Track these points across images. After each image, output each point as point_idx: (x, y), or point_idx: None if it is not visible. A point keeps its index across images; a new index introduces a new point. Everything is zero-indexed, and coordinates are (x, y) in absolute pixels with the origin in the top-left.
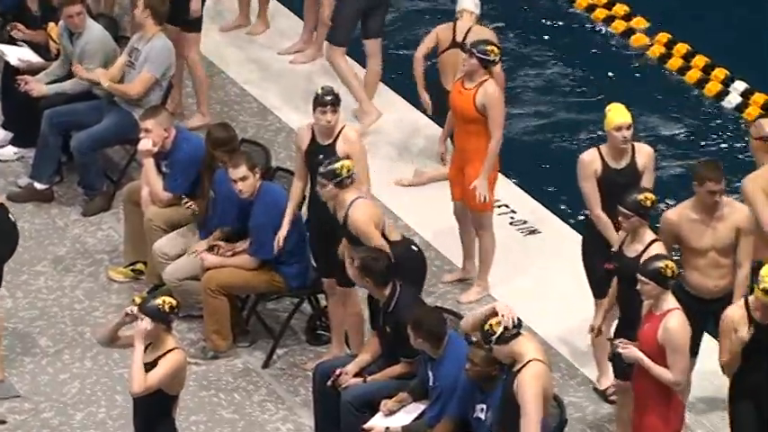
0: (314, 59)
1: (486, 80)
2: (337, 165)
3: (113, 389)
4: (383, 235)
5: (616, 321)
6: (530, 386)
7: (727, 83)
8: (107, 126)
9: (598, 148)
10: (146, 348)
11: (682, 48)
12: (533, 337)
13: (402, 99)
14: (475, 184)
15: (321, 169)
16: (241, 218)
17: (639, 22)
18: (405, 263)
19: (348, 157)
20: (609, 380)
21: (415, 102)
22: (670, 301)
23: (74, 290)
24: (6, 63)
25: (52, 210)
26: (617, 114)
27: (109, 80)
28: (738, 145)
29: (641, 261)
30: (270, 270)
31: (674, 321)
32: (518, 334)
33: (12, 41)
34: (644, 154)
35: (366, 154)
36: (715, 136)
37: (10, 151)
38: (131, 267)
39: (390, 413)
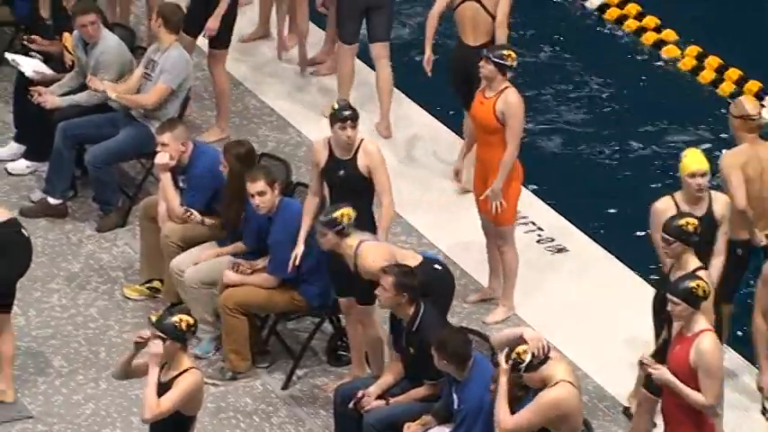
0: (332, 72)
1: (506, 88)
2: (337, 213)
3: (129, 410)
4: None
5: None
6: (542, 407)
7: (761, 96)
8: (122, 139)
9: (672, 196)
10: (162, 367)
11: (713, 61)
12: (563, 358)
13: (425, 112)
14: (486, 193)
15: (321, 218)
16: (260, 235)
17: (669, 35)
18: (431, 283)
19: (369, 171)
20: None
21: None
22: (701, 322)
23: (88, 308)
24: (20, 75)
25: (66, 225)
26: (692, 160)
27: (120, 91)
28: None
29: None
30: (290, 289)
31: (706, 343)
32: (547, 359)
33: (26, 52)
34: (721, 203)
35: (386, 165)
36: None
37: (23, 165)
38: (147, 285)
39: None
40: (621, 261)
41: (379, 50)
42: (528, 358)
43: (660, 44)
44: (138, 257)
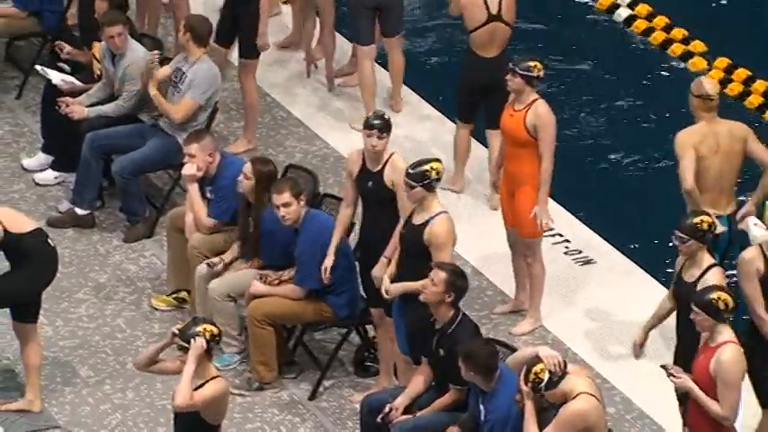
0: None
1: (536, 100)
2: (426, 166)
3: (156, 420)
4: None
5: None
6: (565, 421)
7: None
8: (150, 150)
9: (760, 246)
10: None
11: (742, 73)
12: (582, 371)
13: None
14: (535, 211)
15: (410, 170)
16: (286, 246)
17: (698, 46)
18: None
19: (394, 186)
20: None
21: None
22: (725, 333)
23: (115, 318)
24: (48, 85)
25: (93, 236)
26: None
27: (156, 91)
28: None
29: (697, 288)
30: (317, 299)
31: (727, 354)
32: (564, 374)
33: (54, 65)
34: None
35: None
36: None
37: (50, 175)
38: (174, 296)
39: None
40: (648, 272)
41: (393, 43)
42: (546, 377)
43: (688, 56)
44: (166, 268)
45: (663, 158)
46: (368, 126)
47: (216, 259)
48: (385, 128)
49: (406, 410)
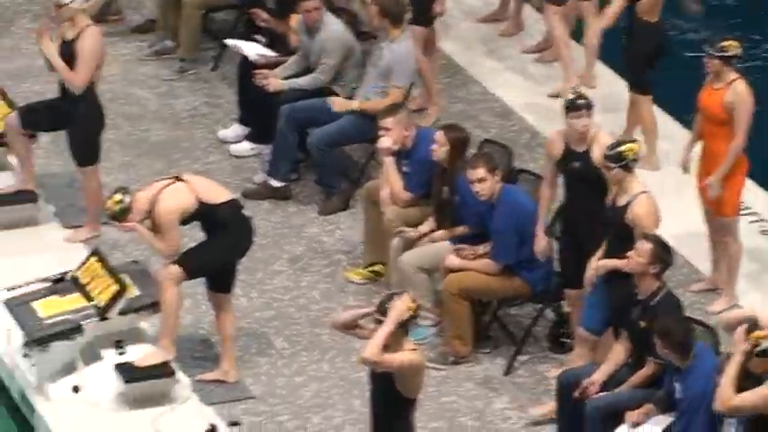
0: (556, 59)
1: (736, 79)
2: (623, 147)
3: (350, 392)
4: None
5: None
6: None
7: None
8: (346, 123)
9: None
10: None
11: None
12: None
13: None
14: (707, 181)
15: (606, 152)
16: (481, 220)
17: None
18: None
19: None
20: None
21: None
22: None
23: (310, 290)
24: (244, 58)
25: (289, 208)
26: None
27: (360, 103)
28: None
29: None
30: (512, 275)
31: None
32: None
33: (248, 37)
34: None
35: None
36: None
37: (246, 147)
38: (370, 268)
39: (636, 425)
40: None
41: (587, 7)
42: (765, 345)
43: None
44: (361, 241)
45: None
46: (573, 107)
47: (412, 230)
48: (590, 106)
49: (602, 386)
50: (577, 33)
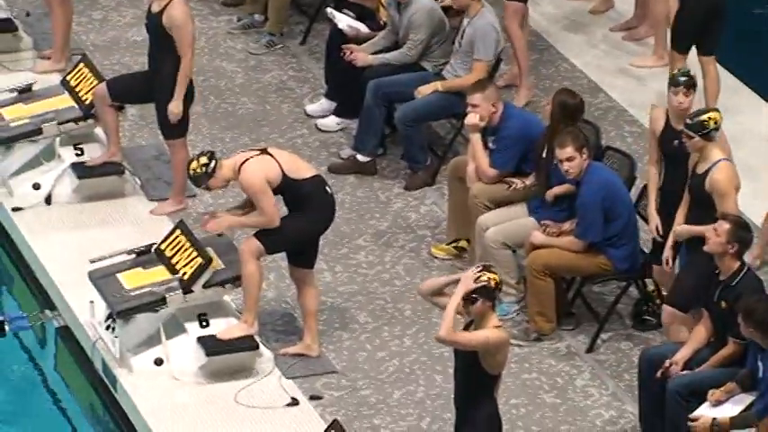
0: (643, 37)
1: None
2: (704, 116)
3: (432, 368)
4: None
5: None
6: None
7: None
8: (433, 99)
9: None
10: (469, 325)
11: None
12: None
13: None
14: None
15: (687, 121)
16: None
17: None
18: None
19: None
20: None
21: None
22: None
23: (394, 265)
24: (333, 32)
25: (374, 183)
26: None
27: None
28: None
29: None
30: (597, 252)
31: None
32: None
33: (339, 10)
34: None
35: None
36: None
37: (333, 122)
38: (454, 244)
39: (718, 403)
40: None
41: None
42: None
43: None
44: (446, 217)
45: None
46: (672, 82)
47: (519, 182)
48: (692, 84)
49: (684, 365)
50: None
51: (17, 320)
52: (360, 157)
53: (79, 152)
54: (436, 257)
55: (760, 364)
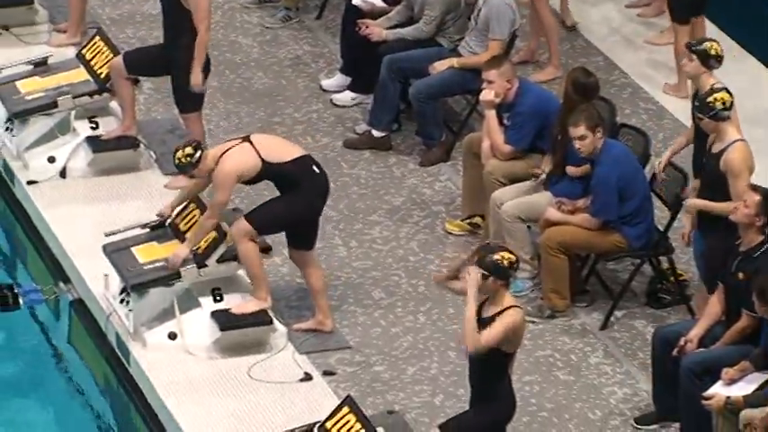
0: (658, 14)
1: None
2: (710, 97)
3: (446, 344)
4: None
5: None
6: None
7: None
8: (448, 75)
9: None
10: (483, 303)
11: None
12: None
13: None
14: None
15: (696, 102)
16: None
17: None
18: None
19: None
20: None
21: None
22: None
23: (409, 241)
24: (348, 7)
25: (389, 158)
26: None
27: (457, 60)
28: None
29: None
30: (612, 230)
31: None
32: None
33: None
34: None
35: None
36: None
37: (348, 97)
38: (468, 221)
39: (731, 382)
40: None
41: None
42: None
43: None
44: (461, 193)
45: None
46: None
47: (538, 170)
48: (693, 51)
49: (699, 342)
50: None
51: (31, 293)
52: (375, 133)
53: (94, 126)
54: (450, 233)
55: None
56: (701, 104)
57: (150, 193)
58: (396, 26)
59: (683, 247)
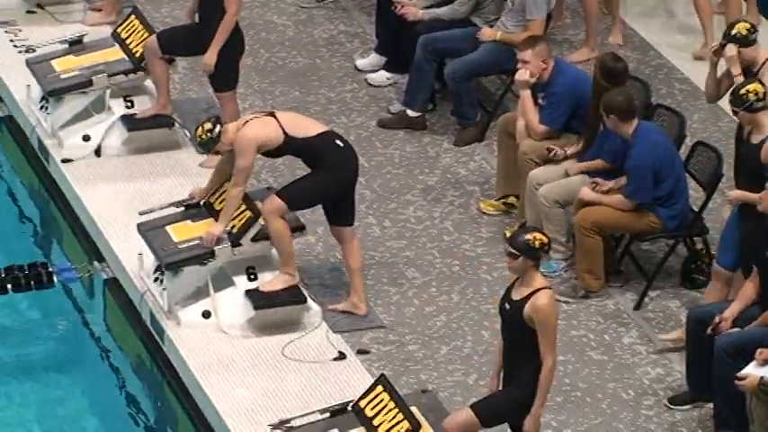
0: None
1: None
2: (742, 90)
3: (480, 324)
4: None
5: None
6: None
7: None
8: (483, 55)
9: None
10: (514, 283)
11: None
12: None
13: None
14: None
15: (729, 96)
16: (617, 155)
17: None
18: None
19: None
20: None
21: None
22: None
23: (443, 221)
24: None
25: (424, 138)
26: None
27: (501, 33)
28: None
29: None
30: (646, 210)
31: None
32: None
33: None
34: None
35: None
36: None
37: (383, 76)
38: (503, 201)
39: (766, 363)
40: None
41: None
42: None
43: None
44: (495, 173)
45: None
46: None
47: (559, 149)
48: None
49: (733, 323)
50: None
51: (66, 272)
52: (409, 113)
53: (129, 104)
54: (485, 213)
55: None
56: (735, 98)
57: (185, 172)
58: (431, 6)
59: (718, 228)
